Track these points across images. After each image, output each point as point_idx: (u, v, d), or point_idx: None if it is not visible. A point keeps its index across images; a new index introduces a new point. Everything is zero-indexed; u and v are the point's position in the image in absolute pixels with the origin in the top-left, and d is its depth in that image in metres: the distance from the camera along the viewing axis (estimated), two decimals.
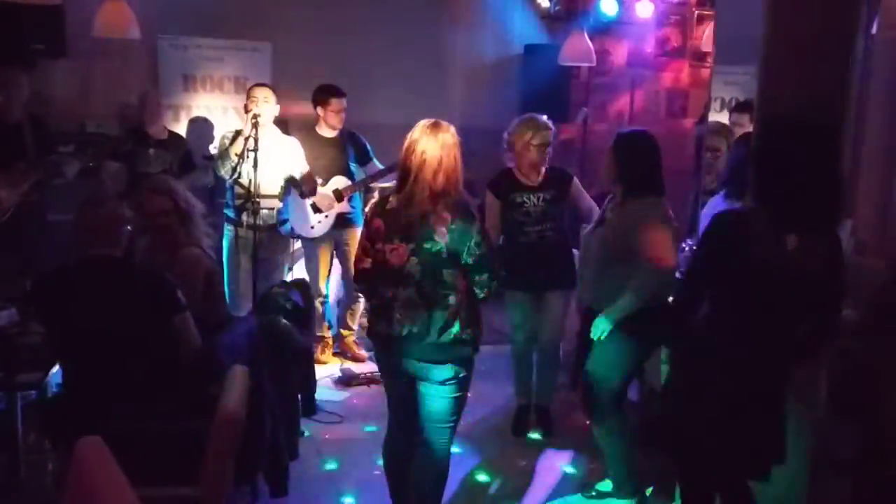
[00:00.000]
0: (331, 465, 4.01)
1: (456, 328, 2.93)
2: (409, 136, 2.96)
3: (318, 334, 5.14)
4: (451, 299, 2.91)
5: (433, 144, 2.90)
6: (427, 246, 2.89)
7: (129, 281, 3.04)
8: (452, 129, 2.98)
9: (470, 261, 2.91)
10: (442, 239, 2.87)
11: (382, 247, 2.97)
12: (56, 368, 3.21)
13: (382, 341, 3.07)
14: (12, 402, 3.50)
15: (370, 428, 4.38)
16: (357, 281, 3.20)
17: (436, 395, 3.03)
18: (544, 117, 4.26)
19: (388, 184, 4.94)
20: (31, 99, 4.92)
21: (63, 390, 3.17)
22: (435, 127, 2.95)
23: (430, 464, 3.13)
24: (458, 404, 3.09)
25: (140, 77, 6.06)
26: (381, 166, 5.25)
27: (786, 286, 2.60)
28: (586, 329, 3.64)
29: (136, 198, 3.66)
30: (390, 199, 3.00)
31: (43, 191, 4.79)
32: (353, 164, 5.27)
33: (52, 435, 3.19)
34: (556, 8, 6.96)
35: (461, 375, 3.01)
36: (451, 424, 3.10)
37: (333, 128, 5.17)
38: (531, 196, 4.23)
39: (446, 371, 2.98)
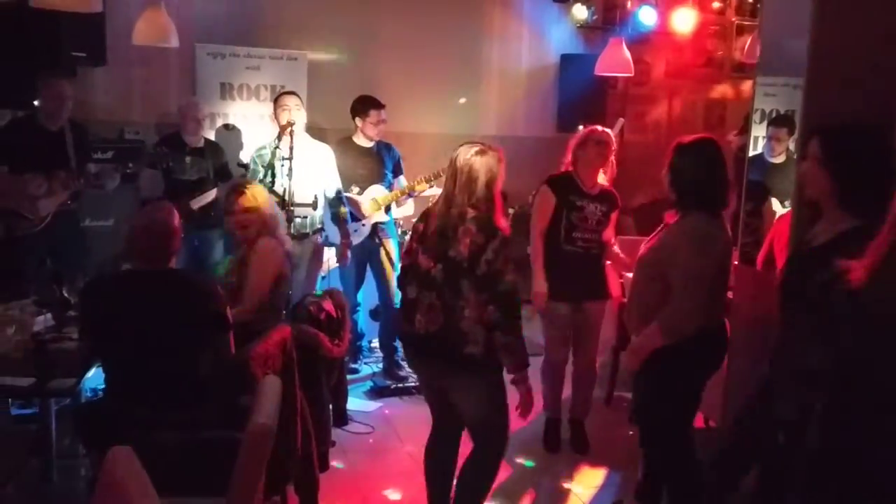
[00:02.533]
0: (361, 476, 3.98)
1: (469, 343, 2.96)
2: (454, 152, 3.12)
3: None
4: (467, 312, 2.97)
5: (474, 162, 3.04)
6: (451, 255, 3.00)
7: (179, 293, 3.02)
8: (495, 150, 3.11)
9: (480, 274, 2.94)
10: (464, 250, 2.97)
11: (417, 248, 3.13)
12: (90, 374, 3.21)
13: (406, 340, 3.21)
14: (46, 407, 3.52)
15: (402, 438, 4.34)
16: (399, 278, 3.33)
17: (462, 400, 3.10)
18: (611, 135, 4.21)
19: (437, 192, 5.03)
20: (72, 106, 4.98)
21: (103, 396, 3.17)
22: (477, 147, 3.09)
23: (473, 468, 3.18)
24: (485, 413, 3.09)
25: (178, 85, 6.12)
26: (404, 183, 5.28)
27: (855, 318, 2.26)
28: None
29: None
30: (435, 206, 3.16)
31: (81, 199, 4.83)
32: (390, 175, 5.26)
33: (85, 440, 3.19)
34: (594, 18, 6.90)
35: (482, 385, 3.04)
36: (489, 429, 3.12)
37: (371, 138, 5.17)
38: (590, 203, 4.18)
39: (465, 379, 3.04)
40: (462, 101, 6.91)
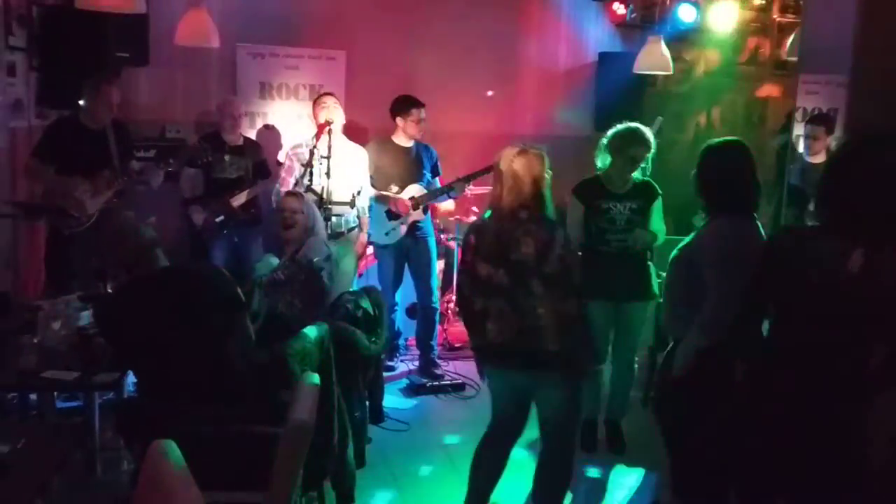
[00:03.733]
0: (397, 473, 4.00)
1: (548, 341, 3.01)
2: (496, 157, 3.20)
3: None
4: (540, 310, 3.01)
5: (522, 161, 3.11)
6: (513, 257, 3.04)
7: (189, 288, 3.07)
8: (537, 150, 3.18)
9: (551, 271, 2.99)
10: (530, 250, 3.01)
11: (472, 259, 3.16)
12: None
13: (481, 352, 3.24)
14: (90, 401, 3.60)
15: (438, 436, 4.36)
16: (455, 293, 3.44)
17: (546, 399, 3.18)
18: (649, 133, 4.16)
19: (483, 189, 5.12)
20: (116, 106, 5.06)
21: (136, 393, 3.24)
22: (517, 149, 3.16)
23: (549, 467, 3.27)
24: (567, 409, 3.19)
25: (218, 84, 6.19)
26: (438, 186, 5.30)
27: (852, 309, 2.35)
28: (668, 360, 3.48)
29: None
30: (484, 216, 3.26)
31: (125, 196, 4.91)
32: (428, 175, 5.28)
33: (126, 435, 3.25)
34: (633, 15, 6.84)
35: (566, 381, 3.12)
36: (566, 427, 3.22)
37: (412, 137, 5.19)
38: (617, 204, 4.16)
39: (550, 377, 3.10)
40: (489, 94, 6.86)
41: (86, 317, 3.48)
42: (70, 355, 3.21)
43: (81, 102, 4.82)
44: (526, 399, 3.26)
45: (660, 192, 4.28)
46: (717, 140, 3.23)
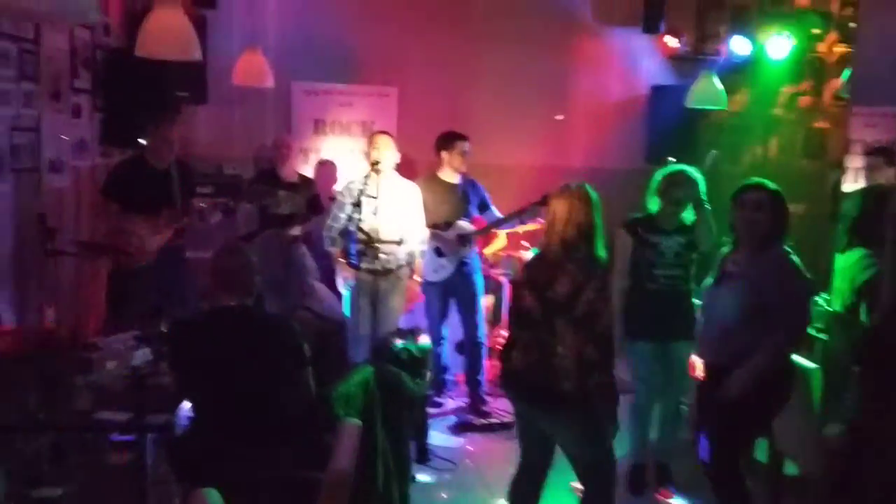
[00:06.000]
0: None
1: (562, 379, 3.04)
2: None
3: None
4: (560, 349, 3.06)
5: (562, 203, 3.20)
6: (549, 294, 3.11)
7: (259, 331, 3.14)
8: (586, 189, 3.25)
9: (578, 314, 3.03)
10: (563, 290, 3.07)
11: (520, 292, 3.29)
12: (183, 407, 3.35)
13: (505, 377, 3.36)
14: (142, 439, 3.68)
15: (484, 475, 4.35)
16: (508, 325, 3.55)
17: (563, 438, 3.22)
18: (695, 174, 4.15)
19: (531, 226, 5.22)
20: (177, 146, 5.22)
21: (192, 429, 3.31)
22: (566, 188, 3.26)
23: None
24: (587, 447, 3.18)
25: (274, 121, 6.35)
26: (499, 215, 5.28)
27: None
28: (709, 387, 3.52)
29: None
30: (533, 251, 3.38)
31: (185, 234, 5.05)
32: (475, 211, 5.32)
33: (176, 473, 3.33)
34: (685, 49, 6.80)
35: (579, 420, 3.12)
36: (594, 466, 3.22)
37: (457, 170, 5.24)
38: (666, 239, 4.15)
39: (563, 415, 3.13)
40: (559, 118, 6.88)
41: (140, 356, 3.58)
42: (123, 394, 3.30)
43: (143, 142, 4.98)
44: (546, 435, 3.29)
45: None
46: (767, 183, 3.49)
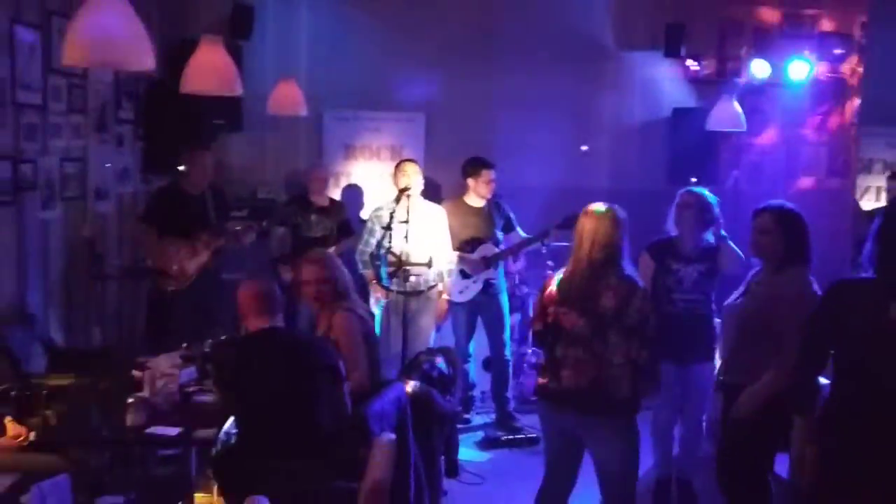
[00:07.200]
0: None
1: (621, 388, 3.20)
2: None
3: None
4: (616, 360, 3.20)
5: (590, 221, 3.33)
6: (595, 310, 3.23)
7: (296, 351, 3.32)
8: (613, 208, 3.37)
9: (631, 322, 3.20)
10: (610, 304, 3.20)
11: (556, 311, 3.35)
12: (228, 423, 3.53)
13: (550, 397, 3.39)
14: (188, 454, 3.87)
15: (512, 490, 4.47)
16: (534, 342, 3.72)
17: (605, 447, 3.31)
18: (707, 196, 4.26)
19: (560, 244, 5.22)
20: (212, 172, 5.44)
21: (236, 444, 3.49)
22: (594, 207, 3.38)
23: None
24: (628, 459, 3.32)
25: (306, 147, 6.57)
26: (524, 235, 5.43)
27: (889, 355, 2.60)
28: (726, 404, 3.63)
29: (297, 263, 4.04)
30: (565, 270, 3.43)
31: (221, 256, 5.26)
32: (500, 233, 5.47)
33: (221, 484, 3.51)
34: (706, 72, 6.93)
35: (627, 429, 3.28)
36: (624, 480, 3.34)
37: (483, 197, 5.40)
38: (686, 266, 4.26)
39: (614, 424, 3.26)
40: (584, 148, 7.02)
41: (185, 375, 3.78)
42: (172, 412, 3.50)
43: (181, 168, 5.22)
44: (577, 448, 3.40)
45: (717, 245, 4.32)
46: (786, 205, 3.59)
